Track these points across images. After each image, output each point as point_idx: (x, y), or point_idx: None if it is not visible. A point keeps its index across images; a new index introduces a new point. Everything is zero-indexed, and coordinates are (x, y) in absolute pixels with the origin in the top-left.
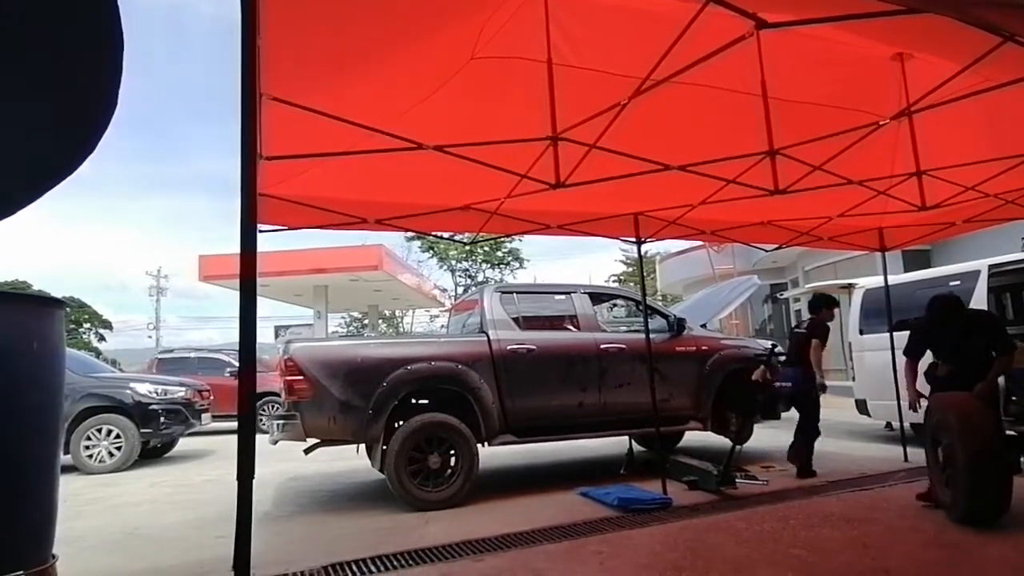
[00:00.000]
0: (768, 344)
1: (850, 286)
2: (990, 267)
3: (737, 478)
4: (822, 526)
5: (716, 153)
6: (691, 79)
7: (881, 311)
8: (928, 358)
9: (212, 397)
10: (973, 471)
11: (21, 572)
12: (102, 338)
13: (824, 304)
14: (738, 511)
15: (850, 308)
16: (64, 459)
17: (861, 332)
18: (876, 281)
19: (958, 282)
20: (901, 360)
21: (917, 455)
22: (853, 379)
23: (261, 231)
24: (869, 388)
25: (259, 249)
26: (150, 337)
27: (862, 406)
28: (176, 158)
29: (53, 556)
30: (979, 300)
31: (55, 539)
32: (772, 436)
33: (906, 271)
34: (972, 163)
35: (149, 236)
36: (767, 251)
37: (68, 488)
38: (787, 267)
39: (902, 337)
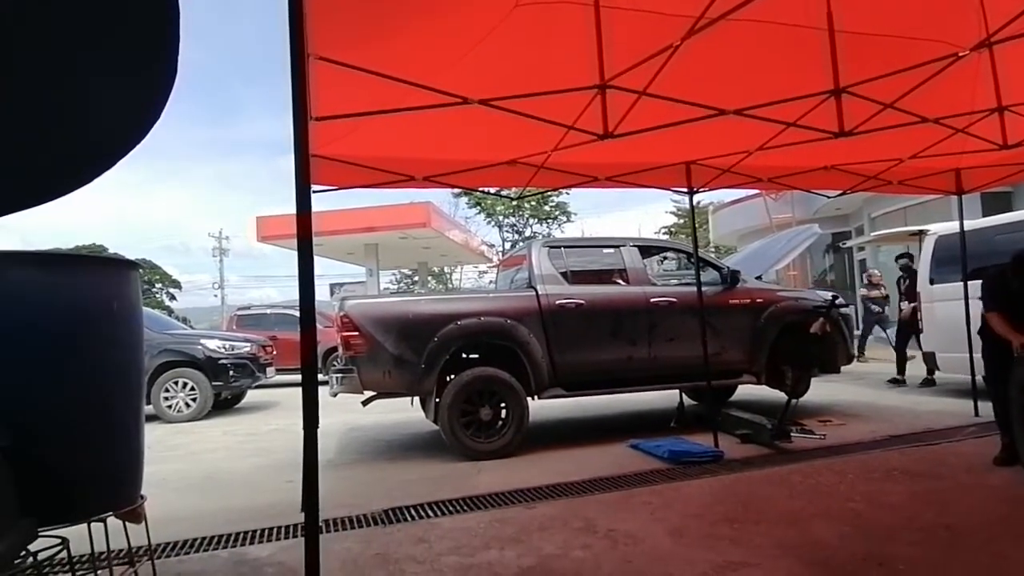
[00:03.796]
0: (828, 295)
1: (921, 233)
2: None
3: (792, 432)
4: (882, 480)
5: (775, 95)
6: (749, 15)
7: (954, 259)
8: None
9: (276, 352)
10: None
11: (111, 513)
12: (173, 297)
13: None
14: (792, 465)
15: (920, 257)
16: (148, 409)
17: (932, 282)
18: (950, 227)
19: None
20: (976, 311)
21: (989, 409)
22: (921, 331)
23: (314, 191)
24: (939, 340)
25: (312, 209)
26: (215, 296)
27: (931, 359)
28: (230, 121)
29: (142, 497)
30: None
31: (143, 481)
32: (830, 390)
33: (984, 215)
34: None
35: (206, 198)
36: (830, 198)
37: (152, 435)
38: (851, 214)
39: (978, 287)
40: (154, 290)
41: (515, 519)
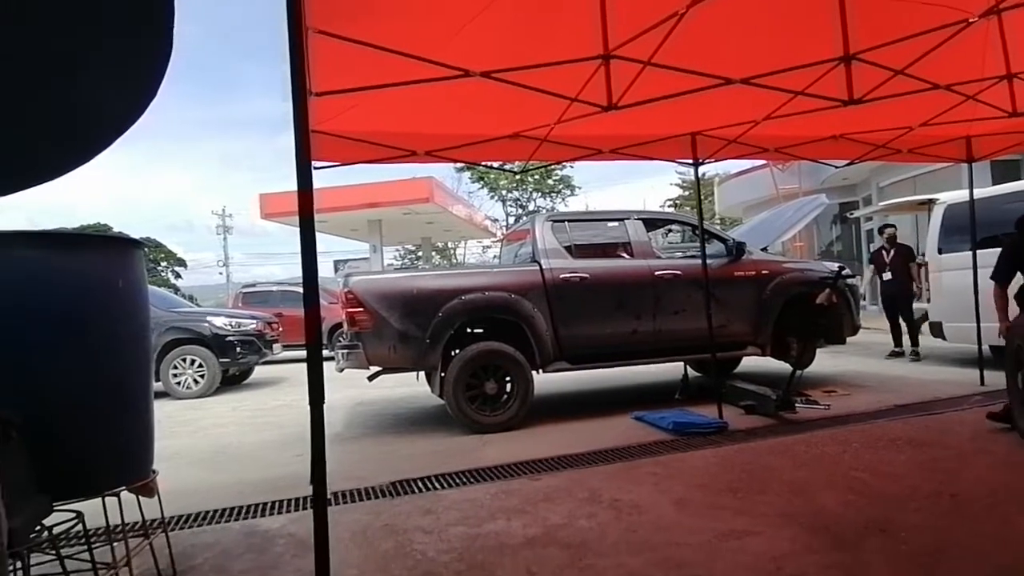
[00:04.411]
0: (835, 266)
1: (930, 202)
2: None
3: (797, 403)
4: (886, 449)
5: (783, 63)
6: None
7: (963, 228)
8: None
9: (281, 328)
10: None
11: (124, 487)
12: (178, 275)
13: None
14: (797, 435)
15: (928, 225)
16: (157, 386)
17: (940, 251)
18: (959, 196)
19: None
20: (984, 281)
21: (994, 378)
22: (928, 300)
23: (315, 168)
24: (946, 310)
25: (315, 186)
26: (220, 274)
27: (937, 329)
28: (229, 99)
29: (154, 471)
30: None
31: (155, 456)
32: (835, 361)
33: (994, 184)
34: None
35: (208, 177)
36: (838, 167)
37: (162, 412)
38: (859, 184)
39: (987, 255)
40: (159, 268)
41: (520, 490)
